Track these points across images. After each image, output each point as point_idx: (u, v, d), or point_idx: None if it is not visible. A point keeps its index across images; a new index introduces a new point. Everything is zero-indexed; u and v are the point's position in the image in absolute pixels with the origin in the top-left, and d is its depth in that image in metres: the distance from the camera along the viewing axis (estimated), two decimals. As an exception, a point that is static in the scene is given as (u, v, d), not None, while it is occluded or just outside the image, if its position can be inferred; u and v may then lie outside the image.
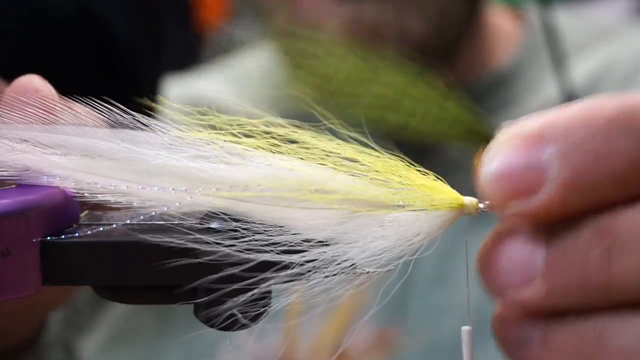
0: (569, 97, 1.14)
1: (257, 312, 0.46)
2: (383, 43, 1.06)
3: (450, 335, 1.01)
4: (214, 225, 0.46)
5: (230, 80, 1.19)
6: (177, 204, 0.46)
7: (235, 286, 0.45)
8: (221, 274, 0.44)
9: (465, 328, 0.50)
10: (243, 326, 0.46)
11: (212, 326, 0.46)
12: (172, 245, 0.44)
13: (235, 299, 0.45)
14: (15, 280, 0.45)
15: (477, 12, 1.18)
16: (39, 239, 0.45)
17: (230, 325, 0.46)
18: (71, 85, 0.51)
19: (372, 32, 1.06)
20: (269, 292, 0.46)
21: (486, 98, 1.19)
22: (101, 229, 0.47)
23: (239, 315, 0.45)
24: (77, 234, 0.47)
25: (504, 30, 1.26)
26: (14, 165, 0.47)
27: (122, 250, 0.46)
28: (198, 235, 0.45)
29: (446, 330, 1.01)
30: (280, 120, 0.49)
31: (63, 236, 0.46)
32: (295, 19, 1.09)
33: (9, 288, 0.45)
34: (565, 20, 1.26)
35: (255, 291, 0.45)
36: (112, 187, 0.46)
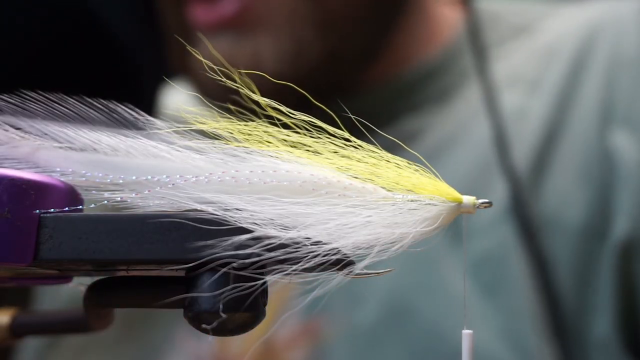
0: (490, 96, 1.10)
1: (253, 314, 0.46)
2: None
3: (369, 320, 1.02)
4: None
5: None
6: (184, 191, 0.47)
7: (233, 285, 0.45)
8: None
9: (466, 331, 0.50)
10: (235, 331, 0.46)
11: (203, 330, 0.46)
12: (176, 220, 0.45)
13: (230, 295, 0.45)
14: (9, 245, 0.45)
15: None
16: (40, 212, 0.46)
17: (221, 329, 0.46)
18: (74, 87, 0.52)
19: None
20: (266, 293, 0.47)
21: (415, 91, 1.15)
22: (105, 202, 0.48)
23: (235, 318, 0.46)
24: (80, 207, 0.48)
25: (442, 18, 1.20)
26: (33, 160, 0.49)
27: (125, 225, 0.46)
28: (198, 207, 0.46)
29: (364, 315, 1.03)
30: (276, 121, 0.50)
31: (67, 208, 0.47)
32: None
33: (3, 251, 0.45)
34: (506, 5, 1.24)
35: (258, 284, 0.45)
36: (121, 180, 0.47)
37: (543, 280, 0.99)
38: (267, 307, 0.47)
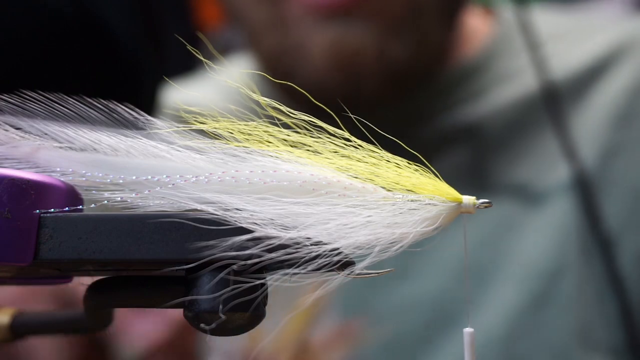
0: (549, 87, 1.14)
1: (253, 315, 0.46)
2: (363, 67, 1.08)
3: (412, 328, 1.02)
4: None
5: (219, 86, 1.20)
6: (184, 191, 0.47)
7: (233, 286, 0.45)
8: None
9: (467, 330, 0.50)
10: (235, 331, 0.46)
11: (202, 330, 0.46)
12: (176, 220, 0.45)
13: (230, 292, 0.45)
14: (9, 245, 0.45)
15: (456, 22, 1.19)
16: (40, 212, 0.46)
17: (221, 329, 0.46)
18: (74, 87, 0.52)
19: (353, 54, 1.08)
20: (266, 296, 0.47)
21: (454, 90, 1.19)
22: (105, 202, 0.48)
23: (235, 317, 0.45)
24: (80, 207, 0.48)
25: (474, 26, 1.26)
26: (33, 160, 0.49)
27: (125, 225, 0.46)
28: (198, 207, 0.46)
29: (408, 324, 1.03)
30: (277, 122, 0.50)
31: (67, 208, 0.47)
32: (282, 40, 1.10)
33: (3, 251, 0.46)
34: (539, 15, 1.27)
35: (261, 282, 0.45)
36: (121, 180, 0.47)
37: (616, 295, 1.00)
38: (267, 308, 0.47)
